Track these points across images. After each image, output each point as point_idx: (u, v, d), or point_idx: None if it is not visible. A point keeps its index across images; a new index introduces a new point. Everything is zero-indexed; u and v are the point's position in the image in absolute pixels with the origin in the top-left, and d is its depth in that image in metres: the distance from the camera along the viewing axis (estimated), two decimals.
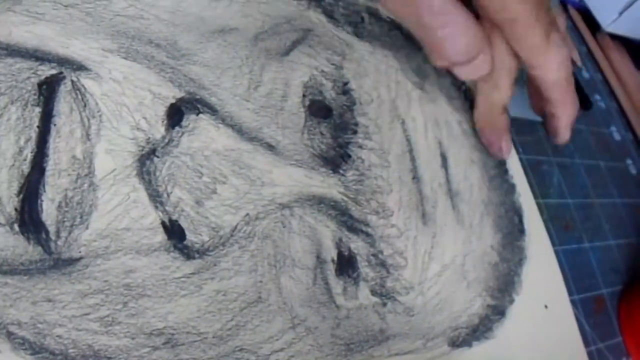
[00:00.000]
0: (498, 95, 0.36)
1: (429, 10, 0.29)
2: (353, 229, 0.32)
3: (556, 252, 0.43)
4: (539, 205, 0.44)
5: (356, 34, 0.38)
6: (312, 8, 0.36)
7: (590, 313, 0.44)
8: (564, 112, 0.36)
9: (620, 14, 0.62)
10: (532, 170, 0.46)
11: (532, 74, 0.35)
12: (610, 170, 0.55)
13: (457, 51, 0.31)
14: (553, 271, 0.41)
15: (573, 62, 0.60)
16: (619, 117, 0.61)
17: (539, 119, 0.40)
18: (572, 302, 0.42)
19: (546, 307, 0.38)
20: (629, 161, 0.58)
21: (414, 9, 0.29)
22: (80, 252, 0.24)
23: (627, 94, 0.63)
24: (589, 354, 0.41)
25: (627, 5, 0.62)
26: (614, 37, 0.66)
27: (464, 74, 0.33)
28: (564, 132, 0.38)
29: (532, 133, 0.48)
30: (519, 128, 0.47)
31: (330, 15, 0.37)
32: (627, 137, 0.60)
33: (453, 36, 0.30)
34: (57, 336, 0.23)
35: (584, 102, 0.57)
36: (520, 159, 0.45)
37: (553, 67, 0.33)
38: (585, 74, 0.62)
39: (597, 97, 0.61)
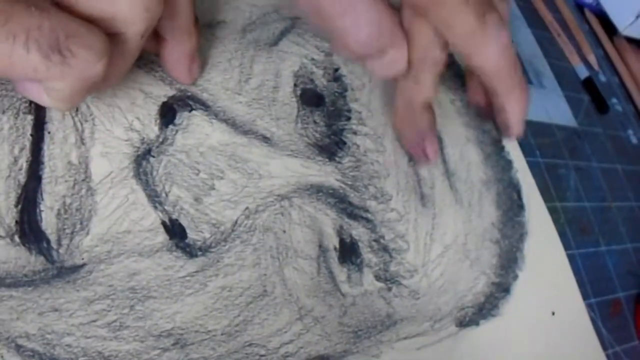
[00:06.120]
0: (418, 91, 0.31)
1: None
2: (353, 216, 0.31)
3: (573, 256, 0.43)
4: (555, 208, 0.43)
5: None
6: None
7: (606, 316, 0.43)
8: (514, 104, 0.31)
9: (638, 17, 0.62)
10: (549, 173, 0.46)
11: (470, 64, 0.30)
12: (627, 173, 0.54)
13: (360, 43, 0.27)
14: (554, 244, 0.41)
15: (589, 65, 0.60)
16: (636, 121, 0.61)
17: (555, 121, 0.38)
18: (589, 305, 0.42)
19: (551, 283, 0.39)
20: None
21: None
22: (82, 258, 0.24)
23: None
24: (606, 357, 0.41)
25: None
26: (631, 41, 0.65)
27: (377, 70, 0.29)
28: (516, 126, 0.32)
29: (548, 136, 0.48)
30: (535, 131, 0.47)
31: None
32: None
33: (354, 25, 0.26)
34: (67, 345, 0.23)
35: (601, 105, 0.57)
36: (538, 162, 0.45)
37: (493, 54, 0.28)
38: (602, 77, 0.61)
39: (614, 100, 0.60)
